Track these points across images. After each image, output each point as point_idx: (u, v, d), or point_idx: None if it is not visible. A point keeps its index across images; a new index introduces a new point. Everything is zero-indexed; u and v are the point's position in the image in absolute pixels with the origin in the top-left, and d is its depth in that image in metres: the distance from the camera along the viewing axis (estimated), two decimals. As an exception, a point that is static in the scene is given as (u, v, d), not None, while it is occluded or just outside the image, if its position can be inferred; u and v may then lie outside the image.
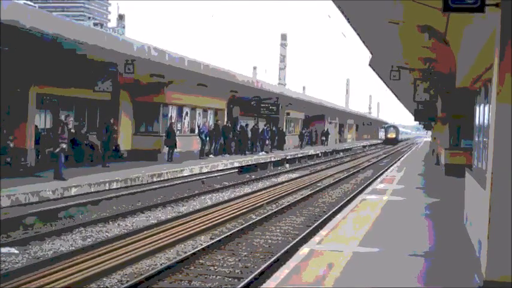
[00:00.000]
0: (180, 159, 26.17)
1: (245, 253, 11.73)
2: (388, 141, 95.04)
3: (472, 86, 12.50)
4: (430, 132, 62.75)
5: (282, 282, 7.52)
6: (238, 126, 36.37)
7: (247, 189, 22.89)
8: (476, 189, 9.35)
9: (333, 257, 8.93)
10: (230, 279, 9.79)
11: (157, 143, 27.30)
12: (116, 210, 16.48)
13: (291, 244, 12.03)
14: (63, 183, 16.21)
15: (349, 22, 13.60)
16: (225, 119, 35.21)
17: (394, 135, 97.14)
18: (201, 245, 12.13)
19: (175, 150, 26.24)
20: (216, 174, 25.47)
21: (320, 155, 47.71)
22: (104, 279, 9.55)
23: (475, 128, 11.66)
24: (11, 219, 13.26)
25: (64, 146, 17.28)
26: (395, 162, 40.54)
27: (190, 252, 11.20)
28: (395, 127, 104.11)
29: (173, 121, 27.95)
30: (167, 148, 26.13)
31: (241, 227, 14.10)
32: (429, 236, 11.17)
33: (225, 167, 27.01)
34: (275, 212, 16.77)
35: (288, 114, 48.18)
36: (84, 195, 16.32)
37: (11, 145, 19.30)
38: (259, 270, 9.88)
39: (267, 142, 38.75)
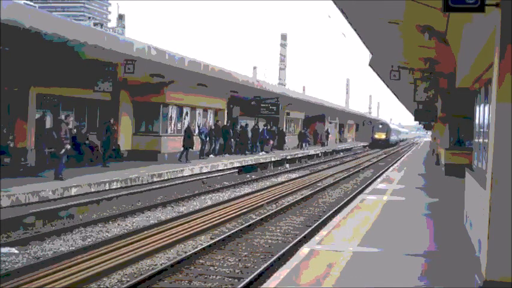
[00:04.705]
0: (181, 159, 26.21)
1: (245, 253, 11.73)
2: (375, 144, 73.19)
3: (472, 86, 12.49)
4: (430, 132, 62.54)
5: (282, 282, 7.53)
6: (238, 126, 36.37)
7: (247, 189, 22.88)
8: (476, 189, 9.35)
9: (333, 257, 8.93)
10: (230, 279, 9.79)
11: (157, 143, 27.31)
12: (116, 210, 16.48)
13: (291, 244, 12.03)
14: (63, 183, 16.20)
15: (349, 22, 13.58)
16: (225, 119, 35.21)
17: (383, 136, 74.94)
18: (201, 245, 12.13)
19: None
20: (216, 174, 25.47)
21: (320, 155, 47.72)
22: (104, 279, 9.55)
23: (475, 128, 11.67)
24: (11, 219, 13.26)
25: (69, 147, 17.35)
26: (396, 162, 40.56)
27: (190, 252, 11.20)
28: (385, 124, 79.85)
29: (189, 121, 28.46)
30: (183, 149, 26.35)
31: (241, 227, 14.10)
32: (429, 236, 11.18)
33: (225, 167, 27.01)
34: (275, 212, 16.76)
35: (288, 114, 48.17)
36: (84, 195, 16.32)
37: (11, 145, 19.33)
38: (259, 271, 9.88)
39: (271, 142, 38.66)
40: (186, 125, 28.44)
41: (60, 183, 16.15)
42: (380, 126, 77.58)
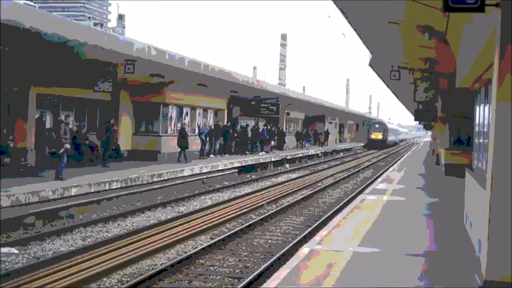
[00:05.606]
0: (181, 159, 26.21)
1: (245, 253, 11.73)
2: (371, 145, 69.03)
3: (472, 86, 12.50)
4: (430, 132, 62.43)
5: (282, 282, 7.52)
6: (239, 126, 36.37)
7: (247, 189, 22.88)
8: (476, 189, 9.35)
9: (333, 257, 8.93)
10: (230, 279, 9.79)
11: (157, 143, 27.32)
12: (116, 210, 16.48)
13: (291, 244, 12.03)
14: (63, 183, 16.21)
15: (349, 22, 13.58)
16: (225, 119, 35.21)
17: (380, 136, 70.46)
18: (201, 245, 12.13)
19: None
20: (216, 175, 25.47)
21: (320, 155, 47.73)
22: (104, 279, 9.55)
23: (474, 128, 11.67)
24: (12, 219, 13.25)
25: (68, 146, 17.36)
26: (396, 162, 40.56)
27: (190, 252, 11.20)
28: (381, 124, 74.71)
29: (184, 122, 28.44)
30: (179, 149, 26.33)
31: (241, 227, 14.09)
32: (429, 236, 11.18)
33: (225, 167, 27.01)
34: (275, 212, 16.76)
35: (288, 114, 48.16)
36: (84, 195, 16.32)
37: (11, 145, 19.33)
38: (259, 271, 9.88)
39: (273, 143, 38.64)
40: (180, 126, 28.29)
41: (60, 183, 16.15)
42: (376, 125, 72.89)
